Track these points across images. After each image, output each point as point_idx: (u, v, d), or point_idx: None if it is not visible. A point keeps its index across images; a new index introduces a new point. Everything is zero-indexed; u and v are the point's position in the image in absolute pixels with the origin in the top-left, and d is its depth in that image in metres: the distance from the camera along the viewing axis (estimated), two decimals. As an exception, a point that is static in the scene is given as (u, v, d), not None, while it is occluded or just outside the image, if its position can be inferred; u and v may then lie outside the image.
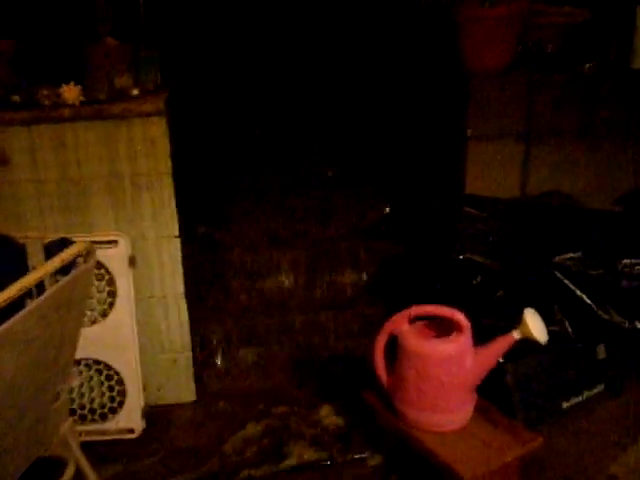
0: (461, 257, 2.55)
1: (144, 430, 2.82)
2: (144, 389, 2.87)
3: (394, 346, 2.35)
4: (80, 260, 1.86)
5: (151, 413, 2.90)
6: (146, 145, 2.64)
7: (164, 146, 2.65)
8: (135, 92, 2.70)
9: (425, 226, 3.11)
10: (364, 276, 3.41)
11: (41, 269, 1.76)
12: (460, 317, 2.23)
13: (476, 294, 2.60)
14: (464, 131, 2.77)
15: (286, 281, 3.37)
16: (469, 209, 2.71)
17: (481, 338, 2.29)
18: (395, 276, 3.36)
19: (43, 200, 2.67)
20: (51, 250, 2.52)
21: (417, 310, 2.29)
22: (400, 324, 2.31)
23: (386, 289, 3.34)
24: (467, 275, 2.61)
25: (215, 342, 3.13)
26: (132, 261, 2.70)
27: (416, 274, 3.13)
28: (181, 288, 2.84)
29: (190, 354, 2.95)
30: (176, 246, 2.77)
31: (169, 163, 2.67)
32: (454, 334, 2.25)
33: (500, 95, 2.69)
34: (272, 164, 3.76)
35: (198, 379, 3.01)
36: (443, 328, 2.30)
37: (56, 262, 1.77)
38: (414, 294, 3.08)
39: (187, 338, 2.92)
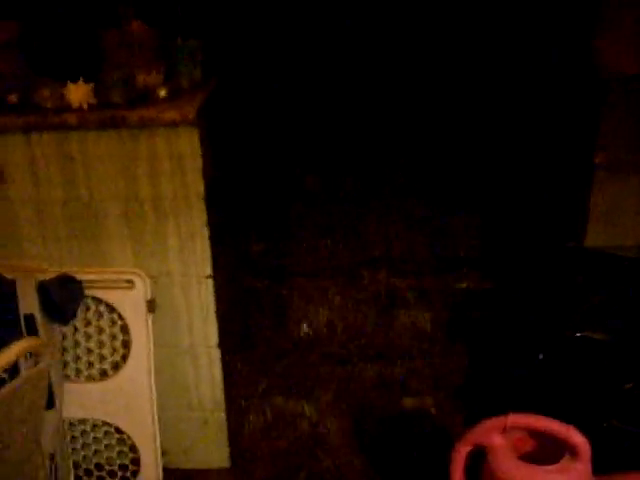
0: (578, 335, 1.87)
1: (164, 503, 2.30)
2: (163, 454, 2.35)
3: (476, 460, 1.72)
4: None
5: (175, 478, 2.38)
6: (172, 162, 2.07)
7: (195, 163, 2.07)
8: (162, 93, 2.12)
9: (525, 272, 2.43)
10: (439, 315, 2.76)
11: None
12: (578, 439, 1.57)
13: (596, 382, 1.92)
14: (590, 156, 2.06)
15: (345, 321, 2.77)
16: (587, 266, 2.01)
17: (602, 450, 1.63)
18: (479, 320, 2.69)
19: (46, 225, 2.15)
20: (47, 290, 2.01)
21: (516, 420, 1.64)
22: (490, 435, 1.67)
23: (467, 335, 2.69)
24: (583, 356, 1.93)
25: (256, 398, 2.56)
26: (151, 306, 2.15)
27: (508, 325, 2.47)
28: (214, 338, 2.29)
29: (223, 415, 2.40)
30: (208, 288, 2.20)
31: (201, 185, 2.09)
32: (566, 459, 1.60)
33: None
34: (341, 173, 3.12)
35: (233, 441, 2.46)
36: (550, 446, 1.64)
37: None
38: (503, 352, 2.44)
39: (220, 395, 2.37)
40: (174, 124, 2.02)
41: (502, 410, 1.75)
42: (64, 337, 2.20)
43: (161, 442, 2.30)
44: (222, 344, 2.31)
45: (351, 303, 2.82)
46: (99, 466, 2.31)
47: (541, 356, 2.16)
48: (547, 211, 2.39)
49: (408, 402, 2.60)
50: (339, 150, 3.15)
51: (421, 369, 2.67)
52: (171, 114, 2.01)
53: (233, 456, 2.46)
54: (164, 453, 2.38)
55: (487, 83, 2.84)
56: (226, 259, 2.43)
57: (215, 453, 2.44)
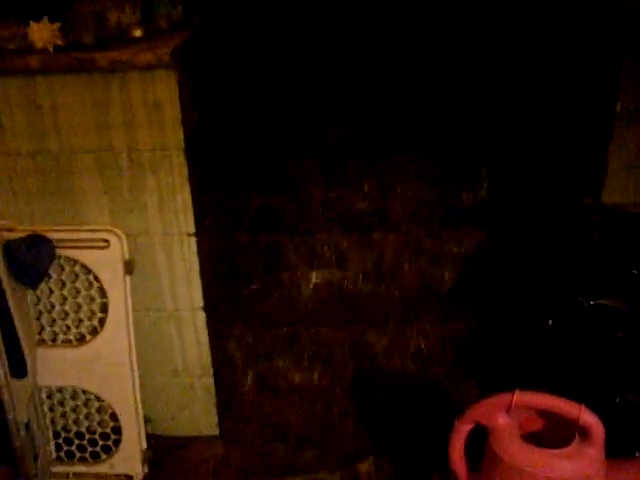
0: (591, 302, 1.71)
1: (150, 472, 2.18)
2: (149, 421, 2.23)
3: (480, 435, 1.57)
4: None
5: (161, 447, 2.26)
6: (148, 110, 1.88)
7: (173, 111, 1.88)
8: (138, 33, 1.92)
9: (537, 230, 2.24)
10: (445, 275, 2.59)
11: None
12: (590, 420, 1.42)
13: (610, 353, 1.76)
14: (611, 104, 1.86)
15: (341, 278, 2.60)
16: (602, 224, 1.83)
17: (616, 429, 1.48)
18: (489, 280, 2.51)
19: (14, 180, 1.98)
20: (13, 251, 1.85)
21: (523, 399, 1.48)
22: (494, 413, 1.52)
23: (474, 296, 2.52)
24: (596, 325, 1.76)
25: (246, 360, 2.42)
26: (129, 267, 1.99)
27: (517, 287, 2.30)
28: (199, 300, 2.13)
29: (211, 379, 2.26)
30: (191, 247, 2.04)
31: (181, 135, 1.91)
32: (577, 442, 1.44)
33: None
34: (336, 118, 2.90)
35: (221, 407, 2.33)
36: (559, 427, 1.49)
37: None
38: (511, 313, 2.28)
39: (207, 360, 2.23)
40: (149, 67, 1.82)
41: (508, 383, 1.59)
42: (39, 300, 2.05)
43: (146, 409, 2.18)
44: (208, 306, 2.16)
45: (351, 261, 2.64)
46: (80, 435, 2.18)
47: (551, 322, 2.00)
48: (562, 163, 2.19)
49: (411, 368, 2.46)
50: (336, 95, 2.94)
51: (426, 333, 2.51)
52: (145, 56, 1.81)
53: (222, 423, 2.32)
54: (150, 420, 2.26)
55: (504, 19, 2.59)
56: (214, 215, 2.25)
57: (203, 420, 2.31)
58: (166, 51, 1.81)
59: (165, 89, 1.86)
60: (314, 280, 2.59)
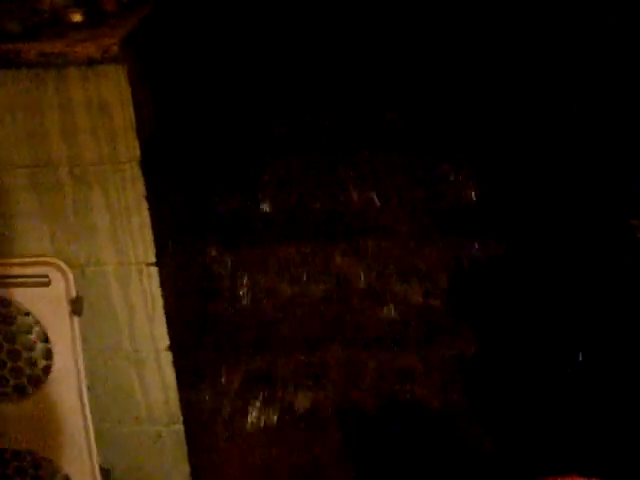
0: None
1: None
2: (111, 475, 1.89)
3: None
4: None
5: (125, 505, 1.93)
6: (93, 114, 1.52)
7: (124, 115, 1.52)
8: (77, 18, 1.54)
9: (571, 254, 1.92)
10: (443, 290, 2.26)
11: None
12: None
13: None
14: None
15: (323, 296, 2.27)
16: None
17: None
18: (493, 295, 2.19)
19: None
20: None
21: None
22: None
23: (478, 313, 2.20)
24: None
25: (222, 405, 2.08)
26: (76, 306, 1.63)
27: (535, 307, 1.99)
28: (163, 339, 1.78)
29: (181, 427, 1.91)
30: (152, 279, 1.68)
31: (135, 144, 1.54)
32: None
33: None
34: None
35: (194, 457, 1.99)
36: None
37: None
38: (530, 347, 1.97)
39: (175, 405, 1.88)
40: (92, 62, 1.46)
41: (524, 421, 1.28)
42: (-33, 346, 1.69)
43: (108, 461, 1.84)
44: (175, 345, 1.81)
45: (335, 275, 2.31)
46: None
47: (581, 357, 1.70)
48: (605, 176, 1.87)
49: (405, 400, 2.14)
50: (314, 87, 2.56)
51: (418, 359, 2.19)
52: (86, 48, 1.44)
53: (195, 475, 1.99)
54: (111, 474, 1.91)
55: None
56: (180, 234, 1.90)
57: (173, 471, 1.97)
58: (113, 41, 1.44)
59: (113, 88, 1.49)
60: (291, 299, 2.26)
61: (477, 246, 2.20)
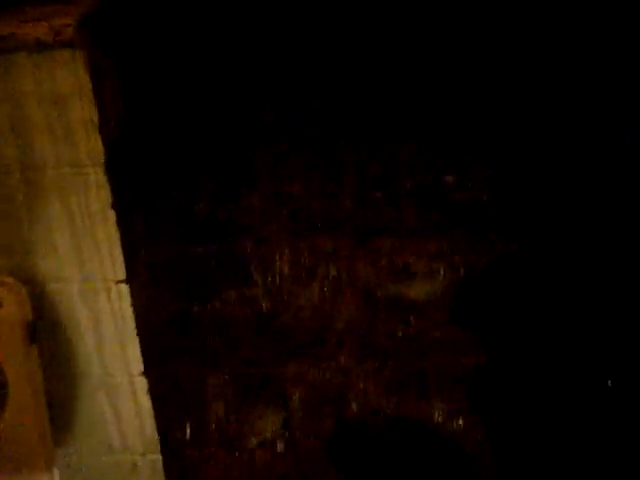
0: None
1: None
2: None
3: None
4: None
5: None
6: (46, 108, 1.27)
7: (84, 110, 1.28)
8: (26, -9, 1.28)
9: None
10: (447, 293, 2.03)
11: None
12: None
13: None
14: None
15: (318, 300, 2.03)
16: None
17: None
18: (510, 301, 1.96)
19: None
20: None
21: None
22: None
23: (487, 324, 1.97)
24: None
25: (203, 431, 1.86)
26: (33, 331, 1.40)
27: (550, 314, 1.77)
28: (137, 363, 1.56)
29: (158, 456, 1.70)
30: (122, 298, 1.46)
31: (98, 143, 1.30)
32: None
33: None
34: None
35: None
36: None
37: None
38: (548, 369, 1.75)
39: (152, 433, 1.67)
40: (42, 46, 1.21)
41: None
42: None
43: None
44: (150, 369, 1.59)
45: (327, 282, 2.07)
46: None
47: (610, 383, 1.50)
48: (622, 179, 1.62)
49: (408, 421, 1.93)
50: (308, 79, 2.27)
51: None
52: (35, 28, 1.19)
53: (176, 506, 1.78)
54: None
55: None
56: (155, 245, 1.65)
57: (152, 504, 1.77)
58: (67, 21, 1.19)
59: (70, 78, 1.25)
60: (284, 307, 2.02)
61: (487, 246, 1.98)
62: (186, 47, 1.59)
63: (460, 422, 1.83)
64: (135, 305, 1.48)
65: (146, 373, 1.58)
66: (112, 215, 1.37)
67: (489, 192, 1.99)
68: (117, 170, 1.35)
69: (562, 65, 1.66)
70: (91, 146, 1.31)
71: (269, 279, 1.93)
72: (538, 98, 1.76)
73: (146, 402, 1.62)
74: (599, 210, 1.65)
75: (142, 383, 1.59)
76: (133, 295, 1.46)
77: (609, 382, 1.52)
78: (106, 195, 1.35)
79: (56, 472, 1.56)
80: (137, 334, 1.52)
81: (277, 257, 1.96)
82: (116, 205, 1.37)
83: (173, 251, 1.73)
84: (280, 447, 1.84)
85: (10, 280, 1.37)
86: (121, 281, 1.44)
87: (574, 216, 1.72)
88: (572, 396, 1.60)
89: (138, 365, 1.56)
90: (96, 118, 1.28)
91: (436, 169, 2.02)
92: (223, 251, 1.98)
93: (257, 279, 1.91)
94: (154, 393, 1.63)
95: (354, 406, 1.92)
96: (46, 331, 1.46)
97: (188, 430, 1.81)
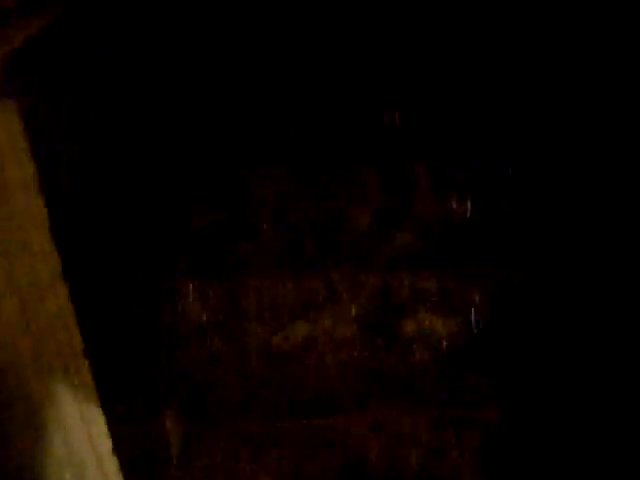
0: None
1: None
2: None
3: None
4: None
5: None
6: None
7: (23, 168, 1.06)
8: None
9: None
10: (463, 328, 1.81)
11: None
12: None
13: None
14: None
15: (318, 341, 1.82)
16: None
17: None
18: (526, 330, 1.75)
19: None
20: None
21: None
22: None
23: (502, 356, 1.76)
24: None
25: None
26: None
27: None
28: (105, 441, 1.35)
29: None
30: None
31: (39, 209, 1.09)
32: None
33: None
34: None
35: None
36: None
37: None
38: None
39: None
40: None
41: None
42: None
43: None
44: (122, 447, 1.39)
45: (333, 320, 1.85)
46: None
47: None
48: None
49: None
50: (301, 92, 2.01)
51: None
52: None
53: None
54: None
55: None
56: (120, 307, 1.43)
57: None
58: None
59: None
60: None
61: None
62: (151, 83, 1.32)
63: None
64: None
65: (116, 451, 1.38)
66: (63, 290, 1.16)
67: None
68: (67, 235, 1.14)
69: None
70: (33, 209, 1.09)
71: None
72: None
73: (118, 481, 1.42)
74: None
75: (112, 463, 1.39)
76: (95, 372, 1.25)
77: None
78: (53, 264, 1.14)
79: None
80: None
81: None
82: (67, 275, 1.15)
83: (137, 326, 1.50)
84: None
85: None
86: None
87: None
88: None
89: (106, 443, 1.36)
90: (36, 177, 1.07)
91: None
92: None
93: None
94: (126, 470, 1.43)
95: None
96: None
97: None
